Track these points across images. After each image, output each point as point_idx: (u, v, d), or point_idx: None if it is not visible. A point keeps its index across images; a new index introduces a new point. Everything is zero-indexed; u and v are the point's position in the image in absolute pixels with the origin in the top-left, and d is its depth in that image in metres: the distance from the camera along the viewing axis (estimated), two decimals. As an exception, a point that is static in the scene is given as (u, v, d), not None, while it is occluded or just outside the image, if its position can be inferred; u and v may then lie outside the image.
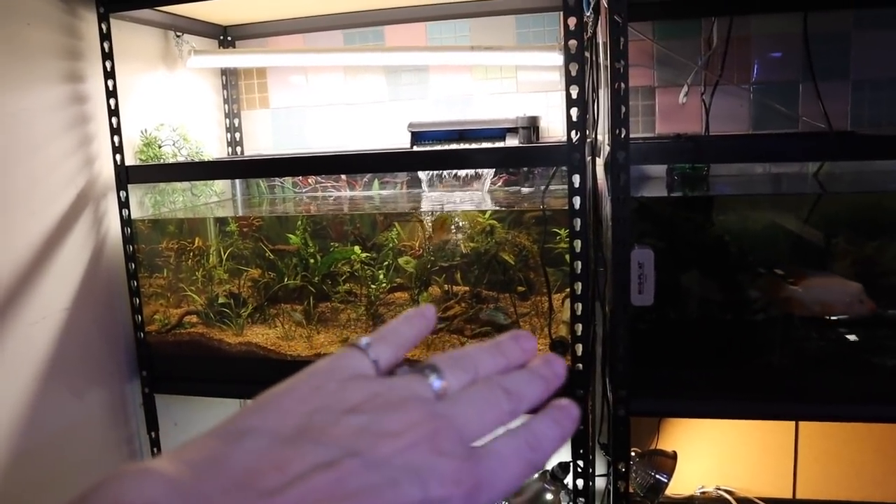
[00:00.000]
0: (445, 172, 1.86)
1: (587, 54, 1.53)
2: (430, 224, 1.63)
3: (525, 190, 1.89)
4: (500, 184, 1.92)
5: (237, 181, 2.13)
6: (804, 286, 1.52)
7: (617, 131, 1.32)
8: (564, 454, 1.55)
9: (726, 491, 1.97)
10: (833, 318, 1.53)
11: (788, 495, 1.96)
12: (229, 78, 2.15)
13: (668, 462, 1.72)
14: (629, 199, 1.35)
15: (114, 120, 1.62)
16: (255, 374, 1.68)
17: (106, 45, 1.60)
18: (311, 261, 1.69)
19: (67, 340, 1.57)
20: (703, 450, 1.99)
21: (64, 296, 1.57)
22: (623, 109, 1.31)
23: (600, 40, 1.62)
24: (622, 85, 1.31)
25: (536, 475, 1.71)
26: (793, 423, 1.93)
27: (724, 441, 1.98)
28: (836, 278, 1.54)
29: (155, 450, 1.77)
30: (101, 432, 1.68)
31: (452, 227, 1.63)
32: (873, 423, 1.83)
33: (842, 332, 1.54)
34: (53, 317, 1.54)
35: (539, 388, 0.41)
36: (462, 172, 1.86)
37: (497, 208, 1.70)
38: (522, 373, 0.41)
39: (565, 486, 1.62)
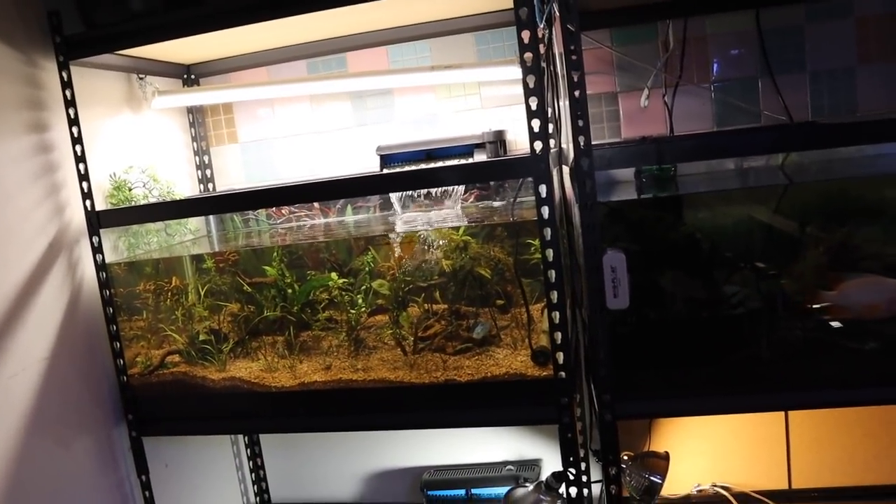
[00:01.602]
0: (416, 192, 1.88)
1: (545, 65, 1.55)
2: (398, 245, 1.64)
3: (496, 203, 1.91)
4: (471, 199, 1.93)
5: (211, 217, 2.13)
6: (841, 291, 1.49)
7: (579, 139, 1.34)
8: (558, 464, 1.55)
9: (723, 487, 1.97)
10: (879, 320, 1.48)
11: (784, 486, 1.97)
12: (196, 115, 2.15)
13: (660, 463, 1.72)
14: (597, 205, 1.36)
15: (81, 166, 1.63)
16: (241, 408, 1.67)
17: (68, 93, 1.61)
18: (289, 291, 1.69)
19: (49, 390, 1.55)
20: (696, 448, 2.00)
21: (42, 345, 1.56)
22: (582, 118, 1.33)
23: (557, 51, 1.64)
24: (580, 93, 1.33)
25: (531, 486, 1.71)
26: (782, 413, 1.94)
27: (716, 438, 1.98)
28: (873, 277, 1.51)
29: (146, 493, 1.75)
30: (91, 480, 1.66)
31: (424, 245, 1.64)
32: (861, 407, 1.84)
33: (825, 318, 1.54)
34: (33, 367, 1.53)
35: None
36: (433, 191, 1.88)
37: (468, 224, 1.71)
38: None
39: (561, 496, 1.61)
